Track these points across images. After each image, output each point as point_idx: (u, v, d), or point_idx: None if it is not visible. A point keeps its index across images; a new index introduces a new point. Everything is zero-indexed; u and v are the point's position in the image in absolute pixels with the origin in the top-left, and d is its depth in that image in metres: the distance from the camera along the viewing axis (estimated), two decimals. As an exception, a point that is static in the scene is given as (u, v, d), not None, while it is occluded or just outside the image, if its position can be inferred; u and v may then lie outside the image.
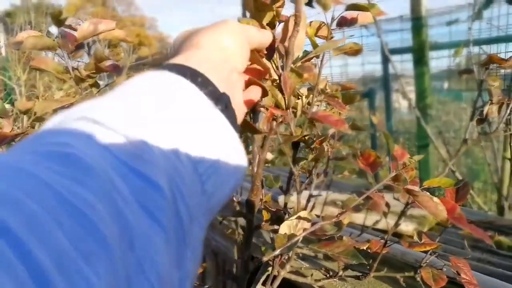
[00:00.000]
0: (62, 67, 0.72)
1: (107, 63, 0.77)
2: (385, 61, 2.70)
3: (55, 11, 0.66)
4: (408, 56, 2.50)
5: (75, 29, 0.73)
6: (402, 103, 3.85)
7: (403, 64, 2.71)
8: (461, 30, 2.31)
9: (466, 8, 2.12)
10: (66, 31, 0.72)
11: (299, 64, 0.54)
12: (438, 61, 2.54)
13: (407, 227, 1.24)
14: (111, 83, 1.19)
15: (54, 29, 0.73)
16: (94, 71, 0.73)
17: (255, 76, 0.43)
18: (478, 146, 2.11)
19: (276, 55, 0.47)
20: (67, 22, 0.72)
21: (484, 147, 1.80)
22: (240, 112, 0.36)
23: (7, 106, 0.70)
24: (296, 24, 0.44)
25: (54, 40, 0.69)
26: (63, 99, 0.65)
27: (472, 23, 1.75)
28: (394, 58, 2.54)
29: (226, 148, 0.29)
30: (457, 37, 2.36)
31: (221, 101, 0.30)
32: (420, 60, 2.20)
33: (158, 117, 0.26)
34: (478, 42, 1.72)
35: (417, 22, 2.13)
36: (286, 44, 0.46)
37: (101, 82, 0.85)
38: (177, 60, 0.32)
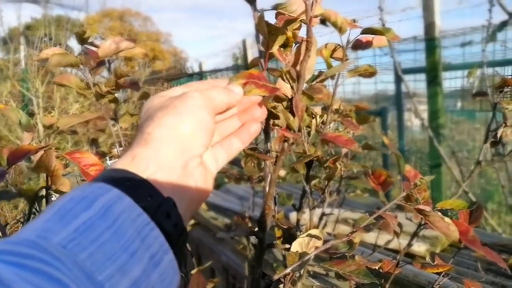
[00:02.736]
0: (84, 83, 0.74)
1: (126, 79, 0.80)
2: (398, 80, 2.71)
3: (79, 31, 0.69)
4: (421, 76, 2.50)
5: (97, 46, 0.76)
6: (414, 122, 3.84)
7: (416, 84, 2.71)
8: (475, 51, 2.31)
9: (480, 30, 2.13)
10: (88, 49, 0.75)
11: (313, 83, 0.55)
12: (452, 81, 2.53)
13: (419, 247, 1.23)
14: (128, 99, 1.21)
15: (73, 43, 0.76)
16: (114, 87, 0.75)
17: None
18: (492, 167, 2.09)
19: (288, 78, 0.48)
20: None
21: (498, 168, 1.78)
22: (203, 192, 0.36)
23: (25, 117, 0.73)
24: (308, 49, 0.45)
25: (77, 57, 0.72)
26: (84, 114, 0.67)
27: (486, 45, 1.75)
28: (407, 77, 2.54)
29: (153, 275, 0.28)
30: (470, 58, 2.36)
31: (162, 208, 0.30)
32: (433, 80, 2.20)
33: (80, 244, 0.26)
34: (492, 64, 1.72)
35: (431, 43, 2.14)
36: (297, 68, 0.47)
37: (116, 95, 0.87)
38: (124, 161, 0.32)
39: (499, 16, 1.82)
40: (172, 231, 0.30)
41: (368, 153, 3.47)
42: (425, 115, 2.40)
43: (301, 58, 0.47)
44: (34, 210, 0.76)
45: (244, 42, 3.58)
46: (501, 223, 2.54)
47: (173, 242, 0.30)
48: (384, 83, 3.06)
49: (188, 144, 0.34)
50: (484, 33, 1.92)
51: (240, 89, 0.40)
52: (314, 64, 0.51)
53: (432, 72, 2.20)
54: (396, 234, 0.60)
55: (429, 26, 2.13)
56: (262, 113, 0.43)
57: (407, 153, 3.01)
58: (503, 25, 1.79)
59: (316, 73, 0.55)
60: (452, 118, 3.38)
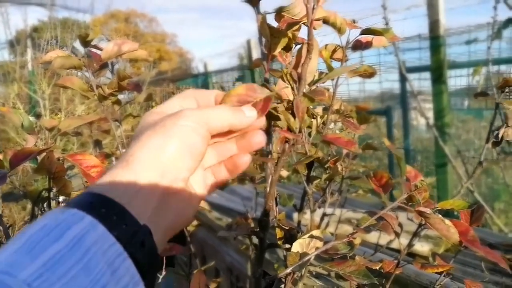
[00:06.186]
0: (87, 85, 0.75)
1: (129, 81, 0.80)
2: (403, 79, 2.70)
3: (82, 33, 0.70)
4: (426, 74, 2.49)
5: (100, 49, 0.77)
6: (420, 121, 3.82)
7: (421, 82, 2.70)
8: (480, 49, 2.29)
9: (486, 28, 2.11)
10: (91, 51, 0.76)
11: (313, 87, 0.55)
12: (457, 79, 2.52)
13: (422, 247, 1.22)
14: (132, 100, 1.22)
15: (79, 45, 0.77)
16: (117, 89, 0.76)
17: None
18: (499, 166, 2.08)
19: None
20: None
21: (503, 167, 1.76)
22: (186, 212, 0.36)
23: (31, 118, 0.74)
24: (309, 51, 0.45)
25: (80, 59, 0.72)
26: (86, 117, 0.68)
27: (491, 42, 1.74)
28: (412, 76, 2.53)
29: None
30: (476, 56, 2.34)
31: (137, 238, 0.30)
32: (438, 79, 2.19)
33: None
34: (498, 62, 1.70)
35: (436, 41, 2.13)
36: (299, 70, 0.47)
37: (121, 97, 0.88)
38: (103, 183, 0.31)
39: (504, 13, 1.81)
40: (145, 260, 0.30)
41: (373, 153, 3.45)
42: (430, 114, 2.38)
43: (302, 60, 0.47)
44: (40, 211, 0.77)
45: (248, 42, 3.58)
46: (508, 223, 2.52)
47: (144, 271, 0.30)
48: (389, 81, 3.05)
49: (170, 168, 0.33)
50: (489, 30, 1.91)
51: (253, 113, 0.37)
52: (315, 66, 0.52)
53: (437, 70, 2.19)
54: (397, 235, 0.60)
55: (434, 24, 2.11)
56: (261, 140, 0.39)
57: (413, 152, 2.99)
58: (508, 22, 1.77)
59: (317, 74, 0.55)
60: (459, 116, 3.36)
